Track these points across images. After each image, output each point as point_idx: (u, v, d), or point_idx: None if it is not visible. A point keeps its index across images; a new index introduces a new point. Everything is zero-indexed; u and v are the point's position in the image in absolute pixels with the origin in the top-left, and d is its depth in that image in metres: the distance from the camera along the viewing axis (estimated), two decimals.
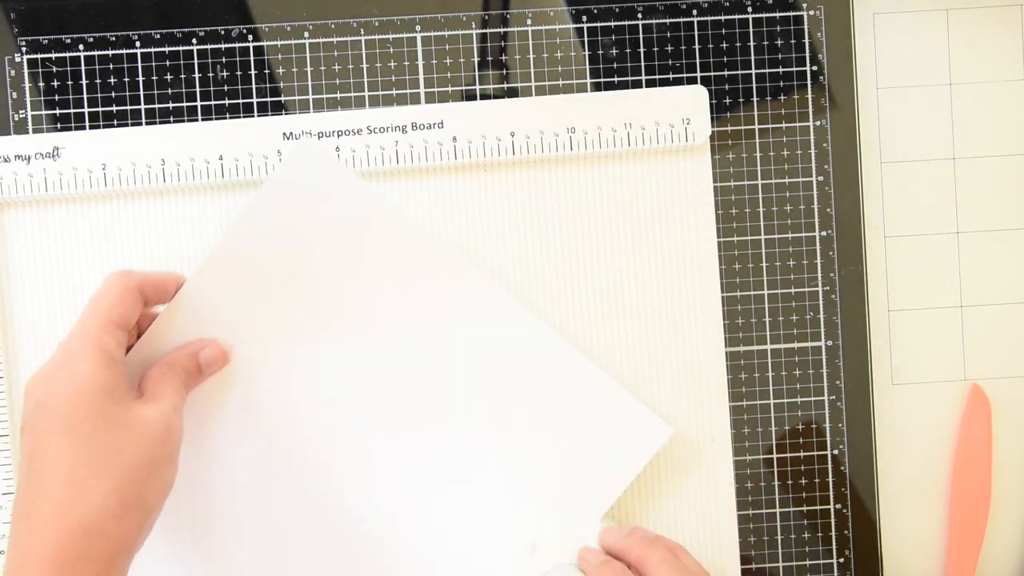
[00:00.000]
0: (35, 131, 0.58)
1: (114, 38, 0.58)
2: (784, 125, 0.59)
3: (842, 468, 0.59)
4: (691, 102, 0.58)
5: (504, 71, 0.59)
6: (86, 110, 0.58)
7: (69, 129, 0.58)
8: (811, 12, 0.59)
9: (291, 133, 0.57)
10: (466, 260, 0.56)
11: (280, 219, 0.54)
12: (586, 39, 0.59)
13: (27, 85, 0.58)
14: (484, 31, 0.59)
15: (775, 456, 0.59)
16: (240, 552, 0.55)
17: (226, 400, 0.54)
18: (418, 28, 0.59)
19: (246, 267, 0.54)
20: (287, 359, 0.55)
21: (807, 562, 0.59)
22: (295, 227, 0.54)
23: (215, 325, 0.53)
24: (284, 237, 0.54)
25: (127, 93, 0.58)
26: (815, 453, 0.59)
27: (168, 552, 0.55)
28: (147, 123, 0.58)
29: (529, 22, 0.59)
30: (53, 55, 0.58)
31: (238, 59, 0.58)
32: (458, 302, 0.55)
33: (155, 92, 0.58)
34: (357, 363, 0.55)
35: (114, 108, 0.58)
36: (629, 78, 0.59)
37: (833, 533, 0.59)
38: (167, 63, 0.58)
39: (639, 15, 0.59)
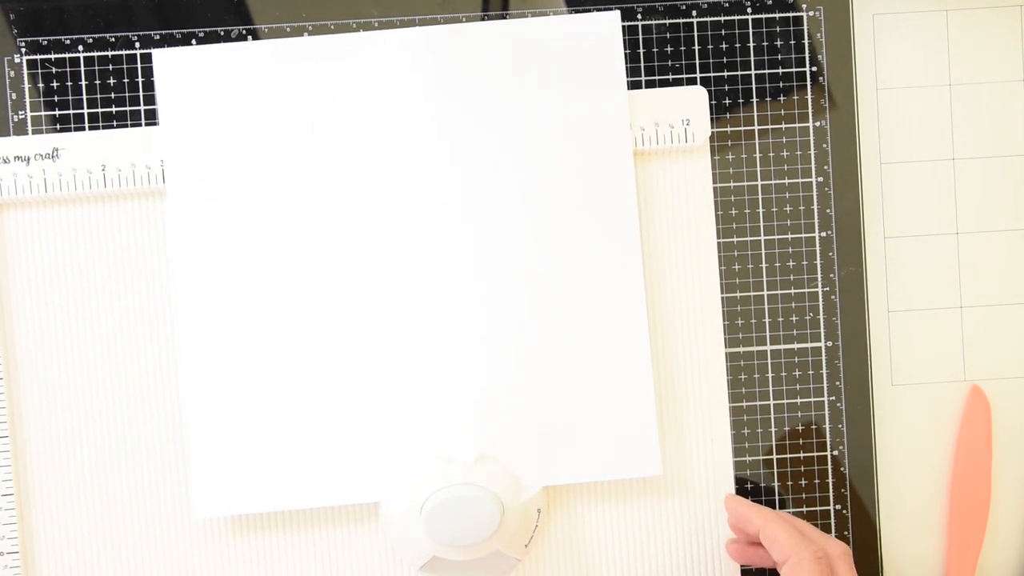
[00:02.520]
0: (35, 132, 0.58)
1: (114, 39, 0.58)
2: (784, 126, 0.59)
3: (842, 469, 0.59)
4: (691, 103, 0.58)
5: None
6: (85, 111, 0.58)
7: (69, 130, 0.58)
8: (811, 13, 0.59)
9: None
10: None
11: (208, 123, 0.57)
12: None
13: (27, 86, 0.58)
14: None
15: (775, 457, 0.59)
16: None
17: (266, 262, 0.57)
18: None
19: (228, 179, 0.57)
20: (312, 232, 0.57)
21: None
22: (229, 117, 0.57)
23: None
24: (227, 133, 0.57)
25: (127, 94, 0.58)
26: (815, 454, 0.59)
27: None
28: (147, 123, 0.58)
29: None
30: (53, 56, 0.58)
31: None
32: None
33: (155, 92, 0.58)
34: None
35: (114, 109, 0.58)
36: (629, 79, 0.59)
37: (833, 534, 0.59)
38: None
39: (639, 15, 0.59)
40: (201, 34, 0.58)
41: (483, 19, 0.59)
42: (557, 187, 0.57)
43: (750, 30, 0.59)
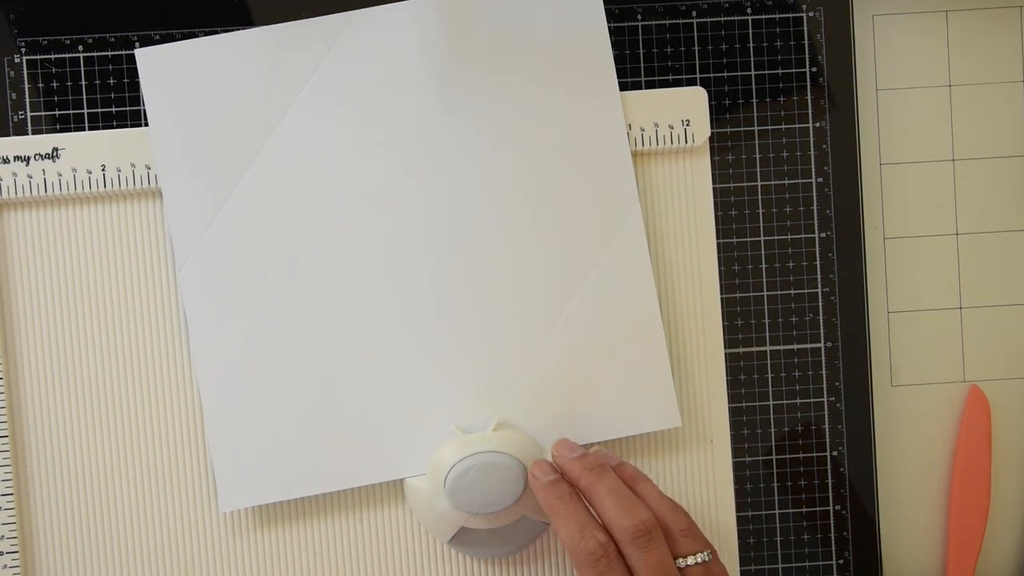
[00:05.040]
0: (34, 132, 0.58)
1: (113, 39, 0.58)
2: (784, 126, 0.59)
3: (841, 469, 0.59)
4: (690, 103, 0.58)
5: None
6: (85, 111, 0.58)
7: (68, 130, 0.58)
8: (811, 13, 0.59)
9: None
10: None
11: (195, 117, 0.56)
12: None
13: (26, 86, 0.58)
14: None
15: (774, 457, 0.59)
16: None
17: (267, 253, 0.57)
18: None
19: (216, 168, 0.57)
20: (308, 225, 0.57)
21: (806, 564, 0.59)
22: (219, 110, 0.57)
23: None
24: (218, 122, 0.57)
25: (127, 94, 0.58)
26: (814, 454, 0.59)
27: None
28: (147, 124, 0.58)
29: None
30: (52, 56, 0.58)
31: None
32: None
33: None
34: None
35: (114, 109, 0.58)
36: (628, 79, 0.59)
37: (832, 534, 0.59)
38: None
39: (638, 16, 0.59)
40: (201, 34, 0.58)
41: None
42: (557, 171, 0.57)
43: (750, 30, 0.59)
